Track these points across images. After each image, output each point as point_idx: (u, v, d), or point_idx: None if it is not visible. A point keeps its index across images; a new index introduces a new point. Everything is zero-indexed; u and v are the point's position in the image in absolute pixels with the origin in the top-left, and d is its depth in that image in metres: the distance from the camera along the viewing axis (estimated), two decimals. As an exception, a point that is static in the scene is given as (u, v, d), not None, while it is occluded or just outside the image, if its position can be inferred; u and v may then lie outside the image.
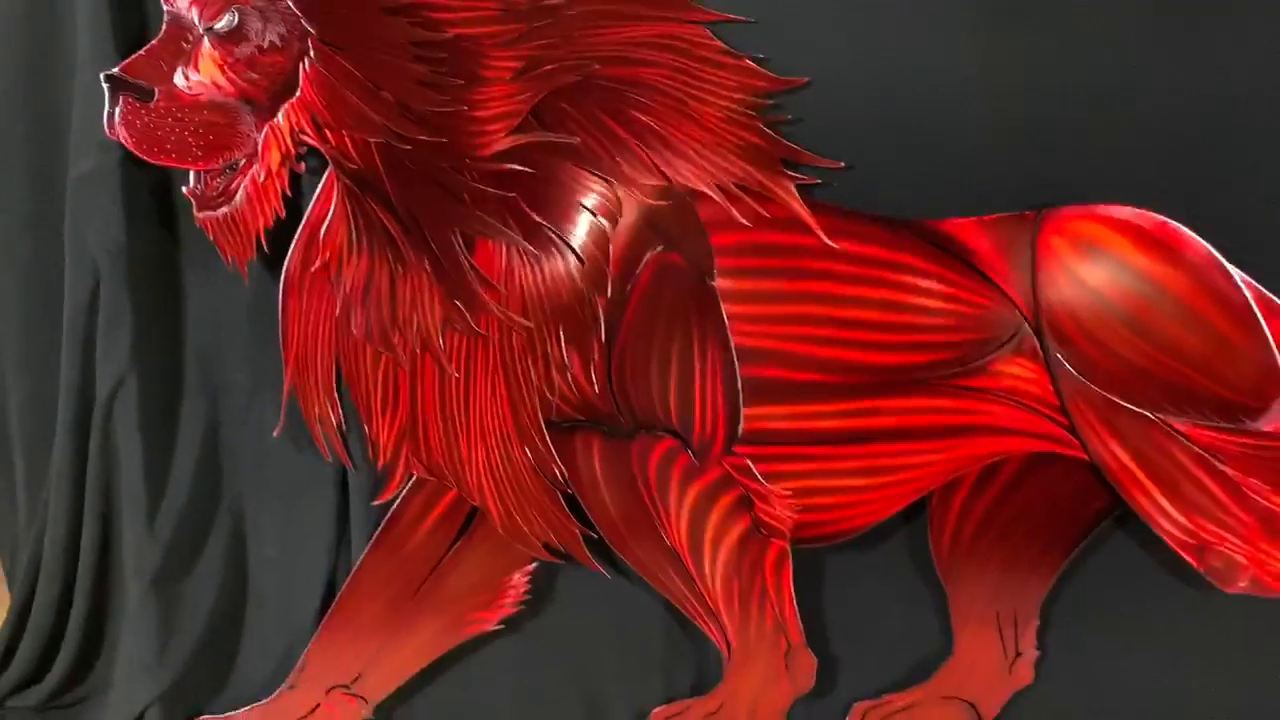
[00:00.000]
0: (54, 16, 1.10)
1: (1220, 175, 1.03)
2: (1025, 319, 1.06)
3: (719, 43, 1.04)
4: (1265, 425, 1.03)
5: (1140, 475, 1.06)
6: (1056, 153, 1.04)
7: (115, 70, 0.99)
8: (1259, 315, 1.01)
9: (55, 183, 1.12)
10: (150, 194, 1.11)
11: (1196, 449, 1.05)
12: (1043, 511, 1.12)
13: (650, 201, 1.05)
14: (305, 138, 1.02)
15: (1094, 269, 1.04)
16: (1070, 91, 1.03)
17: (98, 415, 1.10)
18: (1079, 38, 1.02)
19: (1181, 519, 1.06)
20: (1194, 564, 1.05)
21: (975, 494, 1.12)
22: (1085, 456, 1.06)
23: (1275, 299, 1.02)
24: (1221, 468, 1.05)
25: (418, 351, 1.05)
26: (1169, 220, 1.02)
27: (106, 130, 1.00)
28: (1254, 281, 1.02)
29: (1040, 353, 1.06)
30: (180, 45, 1.00)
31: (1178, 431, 1.05)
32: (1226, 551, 1.06)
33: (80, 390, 1.12)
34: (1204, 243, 1.02)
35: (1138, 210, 1.03)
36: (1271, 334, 1.01)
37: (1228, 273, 1.02)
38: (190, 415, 1.14)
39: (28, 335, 1.16)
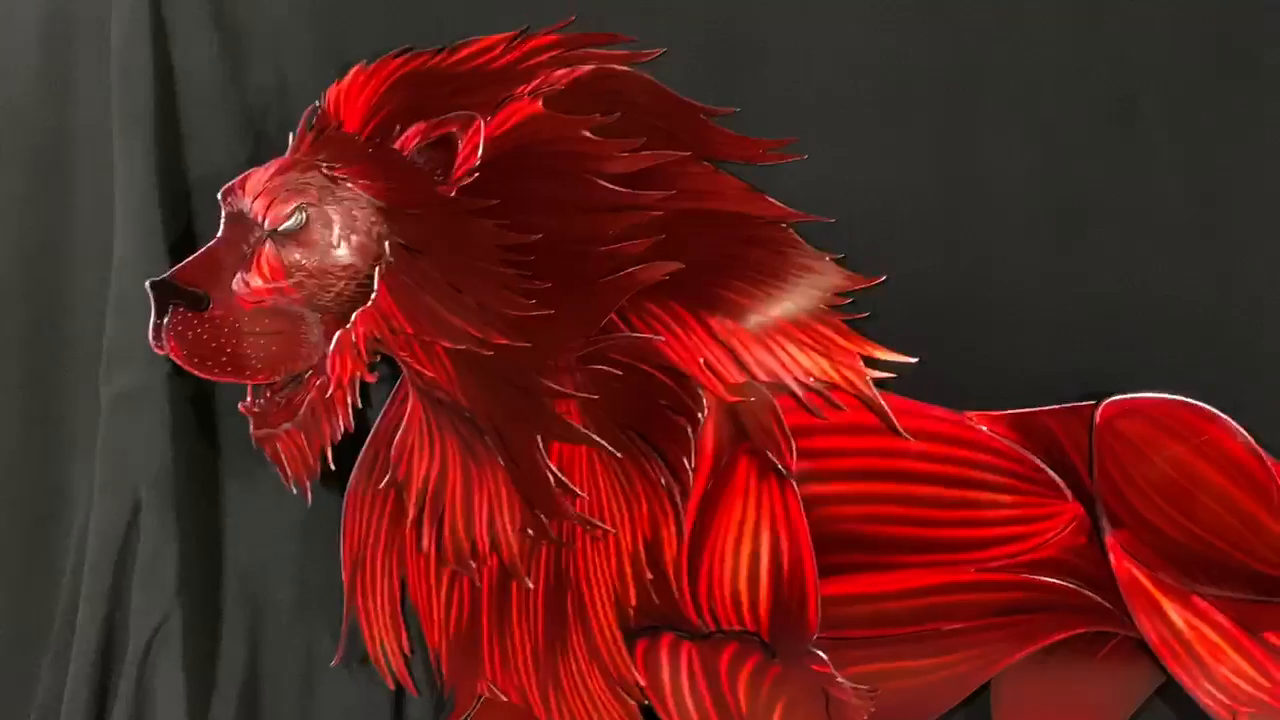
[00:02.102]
0: (65, 204, 0.85)
1: (1265, 365, 0.97)
2: (1082, 503, 0.97)
3: (800, 240, 0.90)
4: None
5: (1181, 647, 0.98)
6: (1114, 345, 0.96)
7: (164, 276, 0.77)
8: (1289, 497, 0.97)
9: (58, 390, 0.87)
10: (190, 403, 0.87)
11: (1231, 619, 0.99)
12: (1097, 686, 1.03)
13: (732, 398, 0.90)
14: (379, 345, 0.82)
15: (1143, 457, 0.95)
16: (1127, 287, 0.94)
17: (134, 654, 0.84)
18: (1139, 237, 0.93)
19: (1219, 685, 0.98)
20: (1229, 727, 0.99)
21: (1037, 673, 1.02)
22: (1134, 632, 0.99)
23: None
24: (1254, 636, 0.99)
25: (489, 562, 0.87)
26: (1217, 413, 0.93)
27: (151, 343, 0.77)
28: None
29: (1095, 535, 0.98)
30: (239, 248, 0.78)
31: (1215, 604, 0.99)
32: (1259, 713, 1.00)
33: (107, 621, 0.86)
34: (1241, 430, 0.94)
35: (1182, 400, 0.93)
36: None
37: (1262, 458, 0.95)
38: (231, 638, 0.89)
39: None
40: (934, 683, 0.98)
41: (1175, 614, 0.97)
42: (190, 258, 0.77)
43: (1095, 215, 0.93)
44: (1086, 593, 0.98)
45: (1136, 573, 0.96)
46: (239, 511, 0.89)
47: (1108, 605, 0.98)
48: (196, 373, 0.78)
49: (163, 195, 0.83)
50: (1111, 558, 0.96)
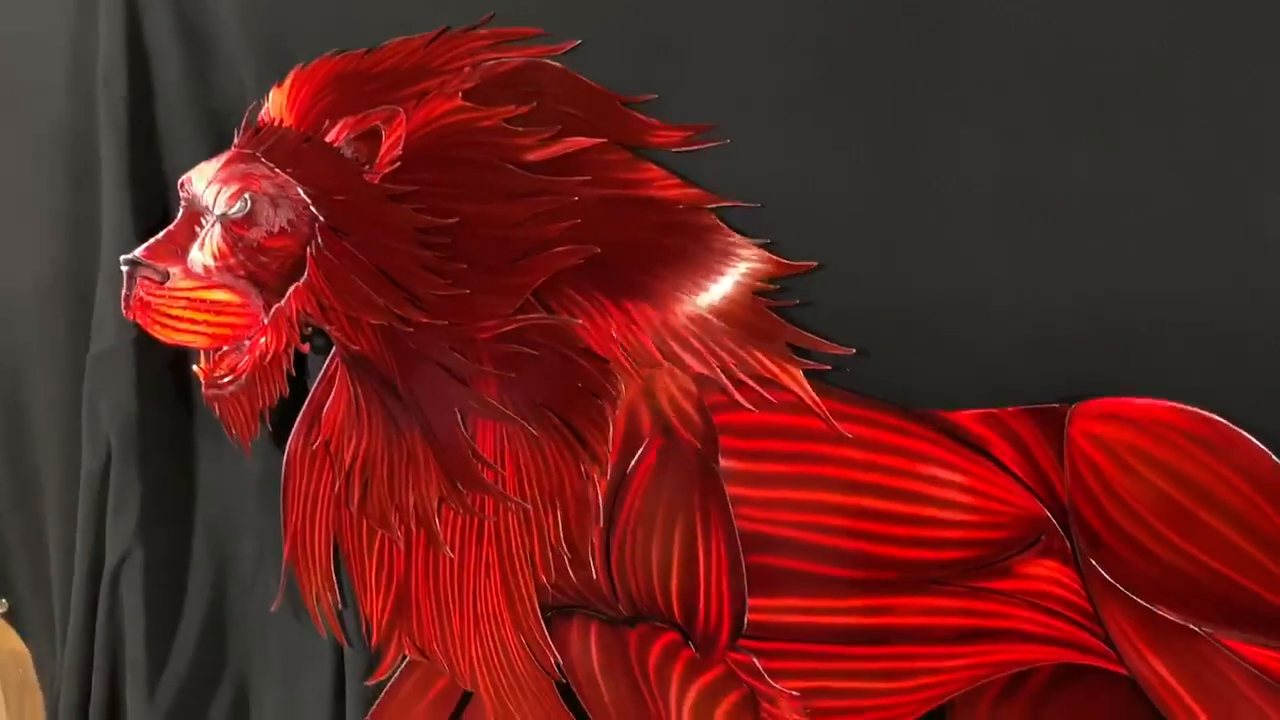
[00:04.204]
0: (94, 204, 0.95)
1: (1267, 374, 0.76)
2: (1053, 519, 0.80)
3: (725, 227, 0.82)
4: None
5: (1183, 693, 0.77)
6: (1087, 346, 0.76)
7: (134, 254, 0.83)
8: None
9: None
10: (168, 368, 0.91)
11: (1251, 668, 0.76)
12: (1077, 729, 0.83)
13: (651, 383, 0.83)
14: (311, 319, 0.84)
15: (1131, 469, 0.76)
16: (1104, 283, 0.75)
17: (105, 586, 0.91)
18: (1113, 228, 0.75)
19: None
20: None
21: (1002, 703, 0.83)
22: (1122, 670, 0.79)
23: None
24: (1274, 690, 0.76)
25: (413, 530, 0.85)
26: (1218, 419, 0.74)
27: (124, 310, 0.84)
28: (1318, 487, 0.74)
29: (1070, 555, 0.80)
30: (194, 229, 0.82)
31: (1229, 648, 0.77)
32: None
33: (93, 557, 0.92)
34: (1256, 442, 0.73)
35: (1182, 407, 0.73)
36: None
37: (1287, 474, 0.75)
38: (196, 584, 0.93)
39: (67, 491, 0.99)
40: (880, 704, 0.84)
41: (1170, 654, 0.77)
42: (154, 238, 0.82)
43: (1064, 203, 0.76)
44: (1061, 620, 0.80)
45: (1121, 602, 0.78)
46: (208, 469, 0.93)
47: (1089, 636, 0.79)
48: (158, 338, 0.82)
49: (137, 187, 0.90)
50: (1090, 582, 0.78)
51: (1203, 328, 0.74)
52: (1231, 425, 0.74)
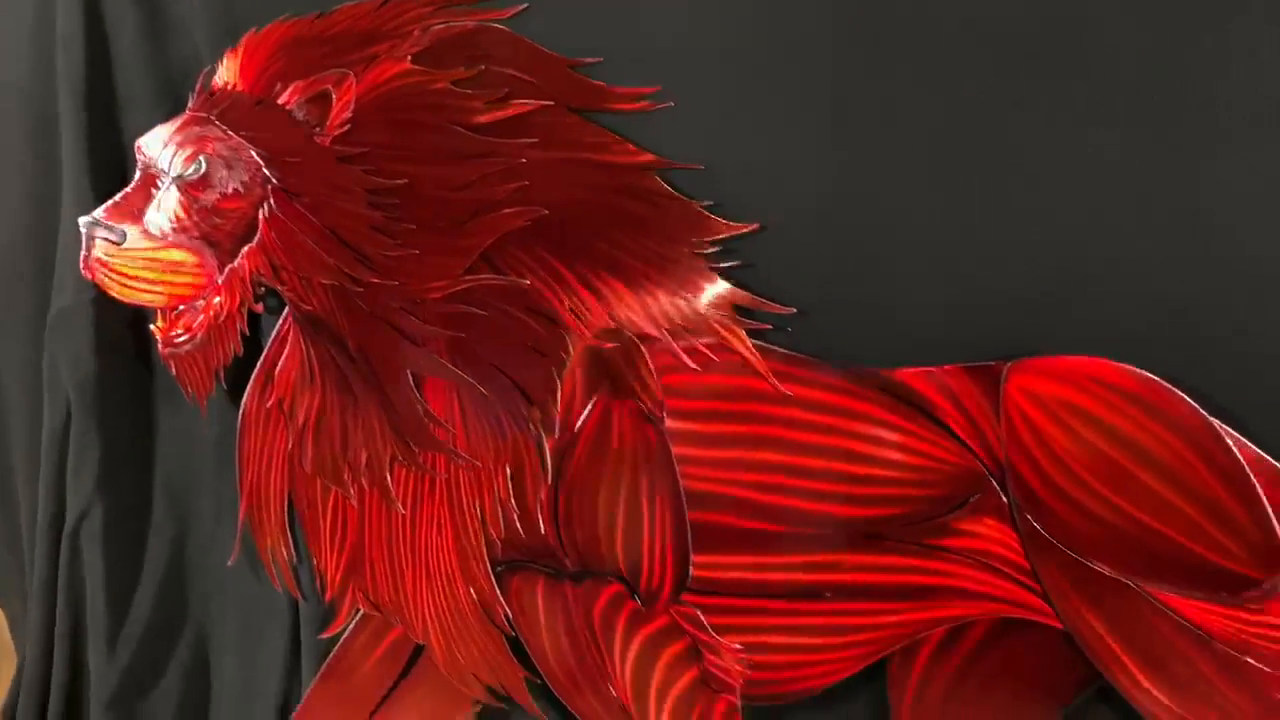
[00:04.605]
0: (56, 166, 0.96)
1: (1207, 336, 0.76)
2: (991, 475, 0.81)
3: (668, 189, 0.82)
4: (1270, 607, 0.75)
5: (1118, 648, 0.78)
6: (1031, 309, 0.76)
7: (92, 215, 0.84)
8: (1255, 480, 0.75)
9: None
10: (127, 327, 0.92)
11: (1185, 623, 0.77)
12: (1014, 680, 0.83)
13: (599, 343, 0.84)
14: (263, 279, 0.85)
15: (1066, 426, 0.77)
16: (1051, 247, 0.75)
17: (65, 542, 0.92)
18: (1055, 188, 0.75)
19: (1165, 699, 0.78)
20: (1180, 749, 0.76)
21: (939, 657, 0.83)
22: (1058, 624, 0.80)
23: (1275, 464, 0.74)
24: (1215, 646, 0.77)
25: (366, 487, 0.86)
26: (1152, 377, 0.74)
27: (82, 270, 0.85)
28: (1250, 444, 0.75)
29: (1008, 512, 0.81)
30: (151, 191, 0.83)
31: (1164, 604, 0.77)
32: (1208, 728, 0.76)
33: (55, 515, 0.93)
34: (1192, 402, 0.74)
35: (1117, 365, 0.74)
36: (1271, 504, 0.74)
37: (1219, 435, 0.74)
38: (156, 540, 0.94)
39: (32, 457, 1.01)
40: (821, 658, 0.85)
41: (1105, 608, 0.78)
42: (112, 200, 0.83)
43: (1011, 167, 0.76)
44: (999, 577, 0.81)
45: (1056, 558, 0.78)
46: (168, 426, 0.94)
47: (1026, 593, 0.80)
48: (116, 297, 0.83)
49: (95, 149, 0.90)
50: (1026, 538, 0.79)
51: (1149, 293, 0.74)
52: (1164, 383, 0.74)
